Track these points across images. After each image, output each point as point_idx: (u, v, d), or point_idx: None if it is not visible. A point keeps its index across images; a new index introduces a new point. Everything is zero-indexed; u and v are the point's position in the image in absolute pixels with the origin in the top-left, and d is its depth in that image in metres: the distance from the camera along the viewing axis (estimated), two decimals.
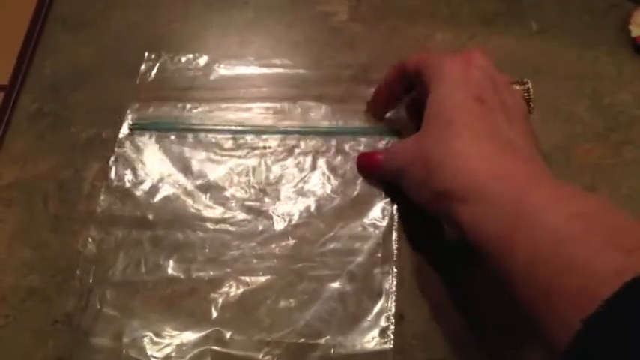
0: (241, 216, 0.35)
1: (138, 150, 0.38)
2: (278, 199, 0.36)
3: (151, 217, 0.35)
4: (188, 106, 0.39)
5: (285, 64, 0.40)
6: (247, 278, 0.33)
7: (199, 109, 0.39)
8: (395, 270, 0.33)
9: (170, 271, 0.34)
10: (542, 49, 0.40)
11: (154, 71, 0.40)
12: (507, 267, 0.24)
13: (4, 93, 0.40)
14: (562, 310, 0.21)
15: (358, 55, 0.41)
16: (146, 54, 0.41)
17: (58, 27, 0.43)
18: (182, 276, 0.33)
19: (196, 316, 0.32)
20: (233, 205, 0.36)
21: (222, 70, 0.40)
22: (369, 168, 0.35)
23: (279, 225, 0.35)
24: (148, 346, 0.31)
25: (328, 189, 0.36)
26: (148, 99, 0.39)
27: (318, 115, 0.38)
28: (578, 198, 0.24)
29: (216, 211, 0.35)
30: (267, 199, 0.36)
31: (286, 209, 0.35)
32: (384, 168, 0.34)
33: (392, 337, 0.31)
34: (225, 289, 0.33)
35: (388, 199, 0.35)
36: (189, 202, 0.36)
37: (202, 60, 0.41)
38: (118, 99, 0.39)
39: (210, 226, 0.35)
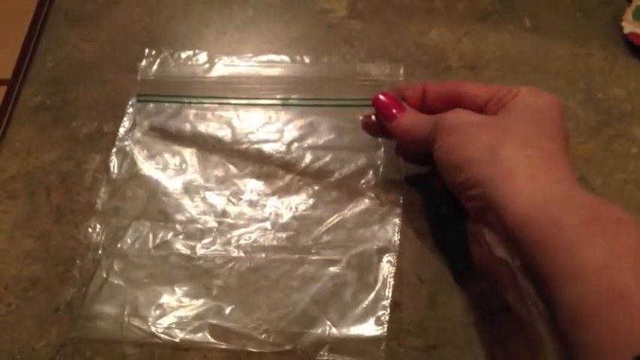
0: (242, 209, 0.36)
1: (138, 143, 0.38)
2: (278, 189, 0.36)
3: (151, 208, 0.36)
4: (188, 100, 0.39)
5: (283, 60, 0.41)
6: (249, 259, 0.34)
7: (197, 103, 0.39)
8: (395, 258, 0.33)
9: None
10: (536, 46, 0.41)
11: (155, 67, 0.41)
12: (570, 263, 0.22)
13: (7, 86, 0.41)
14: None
15: (356, 51, 0.41)
16: (147, 50, 0.41)
17: (61, 21, 0.44)
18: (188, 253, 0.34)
19: (198, 291, 0.33)
20: (234, 199, 0.36)
21: (222, 66, 0.41)
22: (384, 116, 0.32)
23: (280, 213, 0.35)
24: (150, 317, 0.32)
25: (328, 179, 0.37)
26: (149, 94, 0.40)
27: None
28: None
29: (216, 205, 0.36)
30: (266, 191, 0.36)
31: (287, 199, 0.36)
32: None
33: (386, 324, 0.32)
34: (228, 268, 0.34)
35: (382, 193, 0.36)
36: (188, 195, 0.36)
37: (202, 56, 0.41)
38: (119, 93, 0.40)
39: (209, 218, 0.35)
